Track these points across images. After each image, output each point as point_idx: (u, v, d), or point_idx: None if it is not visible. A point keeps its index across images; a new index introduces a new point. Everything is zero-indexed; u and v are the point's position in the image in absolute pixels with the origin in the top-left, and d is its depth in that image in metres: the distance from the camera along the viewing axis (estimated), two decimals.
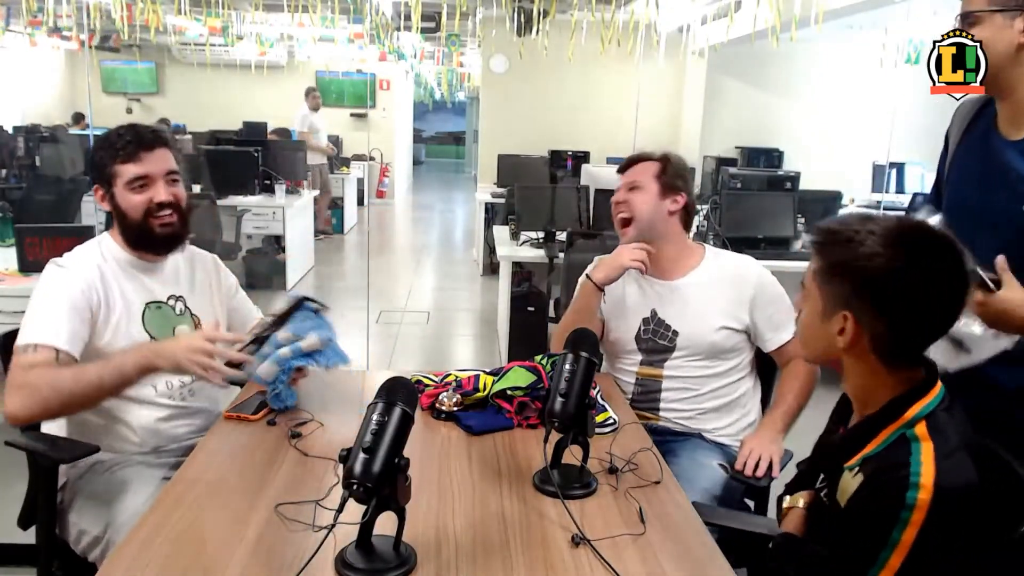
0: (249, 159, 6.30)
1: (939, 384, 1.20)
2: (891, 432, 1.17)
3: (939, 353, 1.31)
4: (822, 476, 1.37)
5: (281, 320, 1.75)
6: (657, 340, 1.99)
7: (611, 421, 1.74)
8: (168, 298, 1.82)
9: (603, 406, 1.79)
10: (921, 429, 1.14)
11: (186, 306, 1.85)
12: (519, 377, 1.78)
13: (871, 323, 1.14)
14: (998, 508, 1.18)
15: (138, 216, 1.73)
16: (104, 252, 1.77)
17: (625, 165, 2.05)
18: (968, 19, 1.50)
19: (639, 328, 2.00)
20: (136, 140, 1.72)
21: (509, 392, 1.75)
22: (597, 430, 1.69)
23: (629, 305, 2.03)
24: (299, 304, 1.77)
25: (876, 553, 1.10)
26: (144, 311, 1.77)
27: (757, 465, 1.80)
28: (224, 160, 6.40)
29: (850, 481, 1.20)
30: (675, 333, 1.97)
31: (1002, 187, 1.56)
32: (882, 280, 1.12)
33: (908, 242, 1.13)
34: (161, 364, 1.59)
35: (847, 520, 1.18)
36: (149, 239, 1.76)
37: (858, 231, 1.14)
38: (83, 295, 1.67)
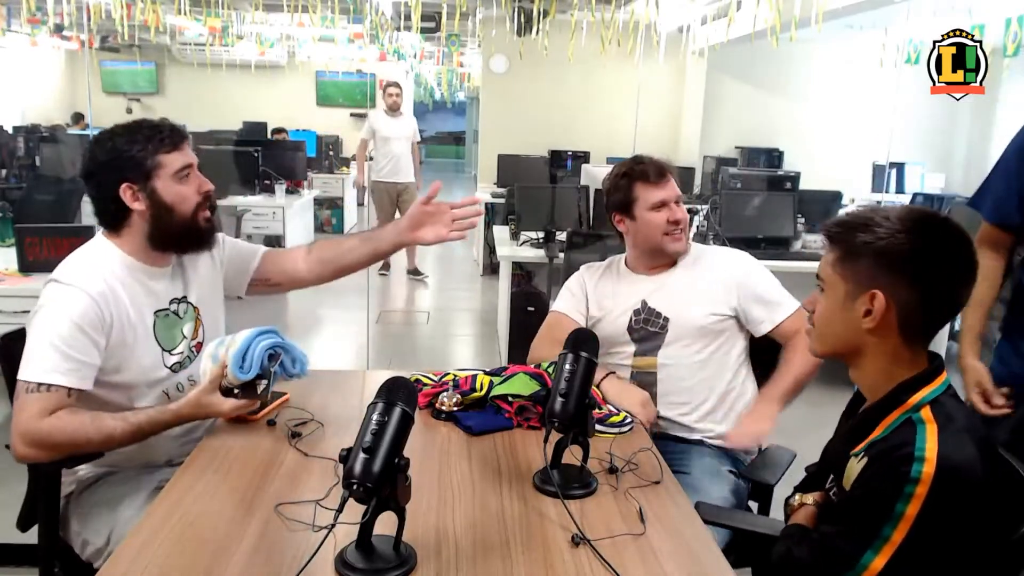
0: (249, 159, 6.31)
1: (944, 373, 1.24)
2: (897, 416, 1.20)
3: None
4: (831, 476, 1.38)
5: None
6: (648, 328, 2.01)
7: (628, 420, 1.75)
8: (171, 302, 1.74)
9: (617, 408, 1.79)
10: (926, 413, 1.18)
11: (188, 303, 1.78)
12: (523, 386, 1.76)
13: (901, 296, 1.19)
14: (999, 507, 1.19)
15: (189, 208, 1.64)
16: (109, 261, 1.65)
17: (658, 175, 2.01)
18: None
19: (630, 319, 2.03)
20: (173, 129, 1.66)
21: (511, 399, 1.75)
22: (616, 431, 1.70)
23: (619, 300, 2.06)
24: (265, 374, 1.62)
25: (880, 527, 1.13)
26: (154, 322, 1.69)
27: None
28: (224, 160, 6.41)
29: (855, 466, 1.22)
30: (666, 319, 2.00)
31: None
32: (908, 252, 1.18)
33: (922, 218, 1.20)
34: (192, 420, 1.62)
35: (852, 499, 1.20)
36: (191, 236, 1.68)
37: (871, 217, 1.21)
38: (96, 317, 1.56)
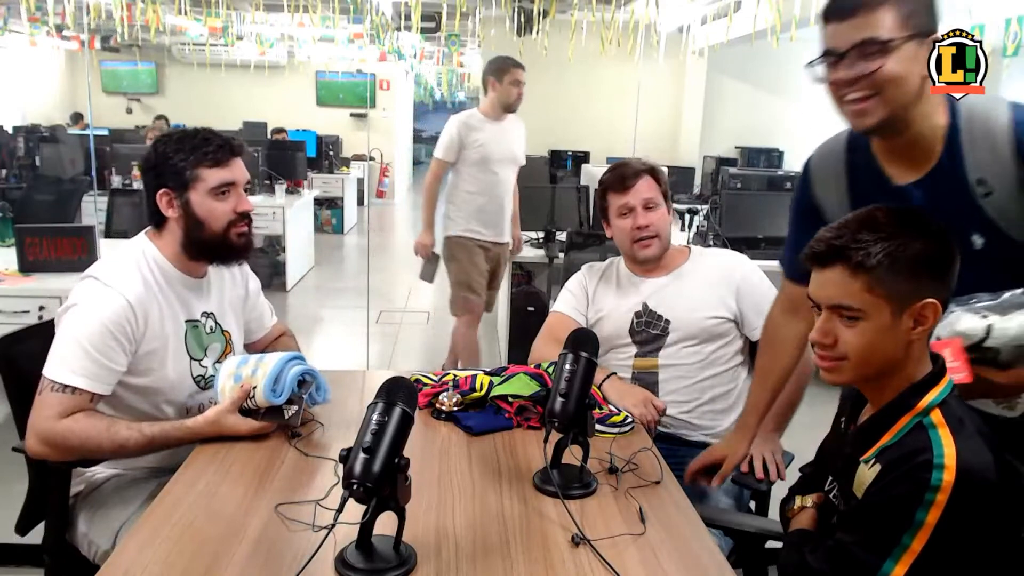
0: (249, 159, 6.30)
1: (948, 374, 1.23)
2: (907, 421, 1.19)
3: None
4: (831, 478, 1.38)
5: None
6: (650, 330, 2.02)
7: (630, 420, 1.75)
8: (201, 315, 1.74)
9: (617, 408, 1.79)
10: (937, 416, 1.17)
11: (216, 322, 1.78)
12: (523, 386, 1.77)
13: (942, 294, 1.18)
14: (1011, 510, 1.19)
15: (220, 225, 1.65)
16: (149, 264, 1.65)
17: (623, 182, 2.02)
18: (872, 49, 1.25)
19: (632, 321, 2.03)
20: (226, 145, 1.65)
21: (511, 399, 1.75)
22: (616, 431, 1.71)
23: (621, 301, 2.07)
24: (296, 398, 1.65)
25: (899, 535, 1.12)
26: (186, 331, 1.69)
27: (766, 468, 1.80)
28: None
29: (866, 473, 1.21)
30: (667, 322, 2.00)
31: None
32: (932, 252, 1.17)
33: (909, 218, 1.19)
34: (206, 437, 1.60)
35: (869, 506, 1.18)
36: (223, 249, 1.68)
37: (859, 233, 1.18)
38: (129, 324, 1.56)
